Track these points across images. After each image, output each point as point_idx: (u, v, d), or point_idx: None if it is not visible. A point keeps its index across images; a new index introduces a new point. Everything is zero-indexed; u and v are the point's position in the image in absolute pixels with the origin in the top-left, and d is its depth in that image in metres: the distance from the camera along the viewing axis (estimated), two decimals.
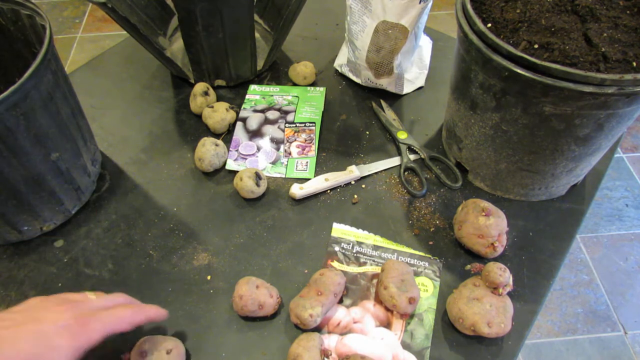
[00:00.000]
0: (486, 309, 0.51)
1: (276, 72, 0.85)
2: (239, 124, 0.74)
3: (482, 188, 0.67)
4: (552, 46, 0.50)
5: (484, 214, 0.57)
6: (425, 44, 0.84)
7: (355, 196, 0.66)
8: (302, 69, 0.80)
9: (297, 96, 0.79)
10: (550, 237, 0.62)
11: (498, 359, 0.52)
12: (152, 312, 0.47)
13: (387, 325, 0.54)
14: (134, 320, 0.45)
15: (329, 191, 0.67)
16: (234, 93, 0.81)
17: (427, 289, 0.56)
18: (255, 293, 0.52)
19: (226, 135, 0.74)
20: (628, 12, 0.53)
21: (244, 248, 0.61)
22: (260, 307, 0.52)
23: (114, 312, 0.43)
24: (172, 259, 0.60)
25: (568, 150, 0.56)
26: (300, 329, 0.52)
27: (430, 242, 0.61)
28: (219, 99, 0.79)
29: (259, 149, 0.71)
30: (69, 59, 2.11)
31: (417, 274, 0.58)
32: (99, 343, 0.41)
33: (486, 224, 0.56)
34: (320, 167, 0.70)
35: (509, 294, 0.54)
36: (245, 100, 0.78)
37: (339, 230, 0.62)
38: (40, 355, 0.37)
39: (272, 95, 0.79)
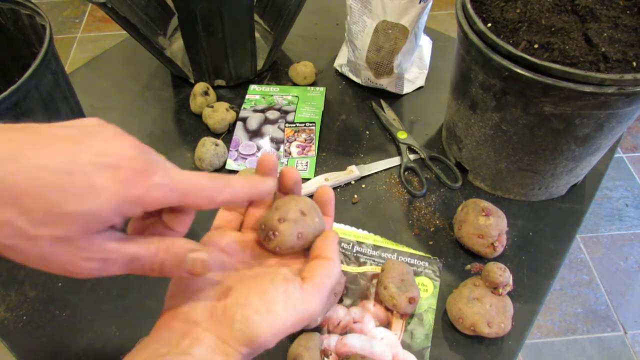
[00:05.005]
0: (486, 309, 0.51)
1: (276, 72, 0.85)
2: (239, 124, 0.74)
3: (482, 188, 0.67)
4: (552, 46, 0.50)
5: (484, 214, 0.57)
6: (425, 44, 0.84)
7: (355, 196, 0.66)
8: (302, 68, 0.80)
9: (297, 96, 0.79)
10: (550, 237, 0.62)
11: (498, 359, 0.52)
12: (248, 188, 0.32)
13: (387, 325, 0.54)
14: (216, 198, 0.30)
15: None
16: (234, 93, 0.81)
17: (427, 289, 0.56)
18: None
19: (226, 135, 0.74)
20: (628, 12, 0.53)
21: None
22: None
23: (192, 175, 0.29)
24: None
25: (568, 150, 0.56)
26: (301, 328, 0.52)
27: (430, 242, 0.61)
28: (219, 99, 0.79)
29: (259, 148, 0.71)
30: (69, 59, 2.11)
31: (417, 273, 0.58)
32: (156, 209, 0.28)
33: (486, 224, 0.56)
34: (320, 167, 0.70)
35: (509, 294, 0.54)
36: (245, 100, 0.78)
37: (339, 230, 0.62)
38: (67, 191, 0.24)
39: (272, 95, 0.79)
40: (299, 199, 0.35)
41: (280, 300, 0.30)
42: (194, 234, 0.33)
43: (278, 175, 0.36)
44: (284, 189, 0.37)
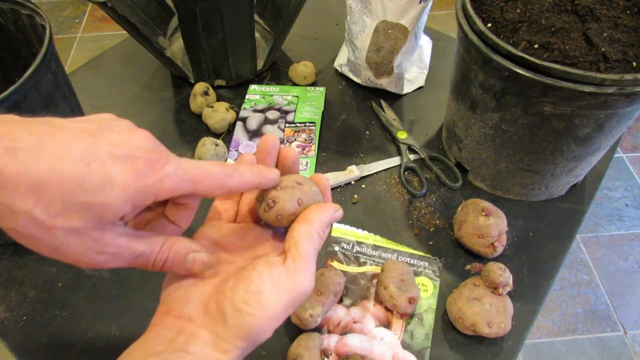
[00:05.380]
0: (486, 309, 0.51)
1: (276, 72, 0.85)
2: (239, 124, 0.74)
3: (482, 188, 0.67)
4: (552, 46, 0.50)
5: (484, 214, 0.57)
6: (425, 44, 0.84)
7: (355, 196, 0.66)
8: (302, 68, 0.80)
9: (297, 96, 0.79)
10: (550, 237, 0.62)
11: (498, 359, 0.52)
12: (256, 177, 0.32)
13: (387, 325, 0.54)
14: (226, 184, 0.30)
15: None
16: (234, 93, 0.81)
17: (427, 289, 0.56)
18: None
19: (226, 135, 0.74)
20: (628, 12, 0.53)
21: None
22: None
23: (203, 163, 0.29)
24: None
25: (568, 150, 0.56)
26: (300, 329, 0.52)
27: (430, 242, 0.61)
28: (219, 99, 0.79)
29: None
30: (69, 59, 2.11)
31: (417, 274, 0.58)
32: (170, 197, 0.28)
33: (486, 224, 0.56)
34: (320, 167, 0.70)
35: (509, 294, 0.54)
36: (245, 100, 0.78)
37: (339, 230, 0.62)
38: (85, 181, 0.24)
39: (272, 95, 0.79)
40: (293, 174, 0.36)
41: (267, 287, 0.29)
42: (190, 228, 0.33)
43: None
44: (283, 168, 0.37)
